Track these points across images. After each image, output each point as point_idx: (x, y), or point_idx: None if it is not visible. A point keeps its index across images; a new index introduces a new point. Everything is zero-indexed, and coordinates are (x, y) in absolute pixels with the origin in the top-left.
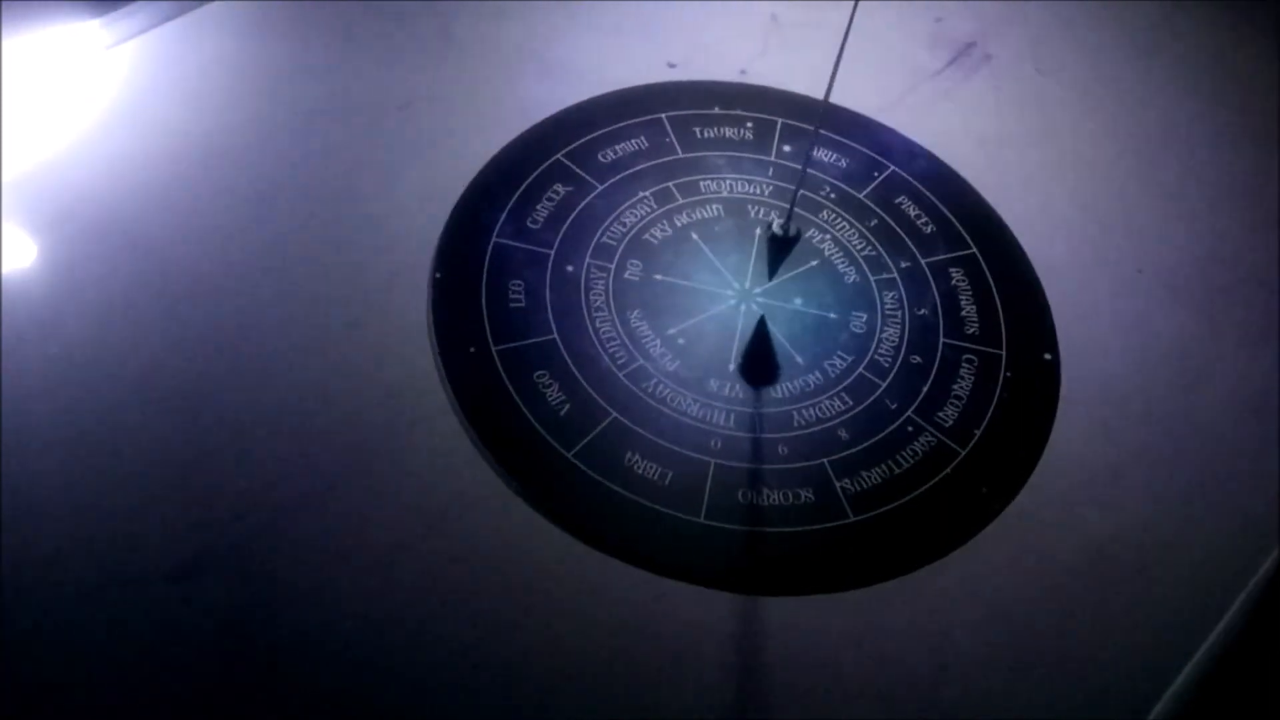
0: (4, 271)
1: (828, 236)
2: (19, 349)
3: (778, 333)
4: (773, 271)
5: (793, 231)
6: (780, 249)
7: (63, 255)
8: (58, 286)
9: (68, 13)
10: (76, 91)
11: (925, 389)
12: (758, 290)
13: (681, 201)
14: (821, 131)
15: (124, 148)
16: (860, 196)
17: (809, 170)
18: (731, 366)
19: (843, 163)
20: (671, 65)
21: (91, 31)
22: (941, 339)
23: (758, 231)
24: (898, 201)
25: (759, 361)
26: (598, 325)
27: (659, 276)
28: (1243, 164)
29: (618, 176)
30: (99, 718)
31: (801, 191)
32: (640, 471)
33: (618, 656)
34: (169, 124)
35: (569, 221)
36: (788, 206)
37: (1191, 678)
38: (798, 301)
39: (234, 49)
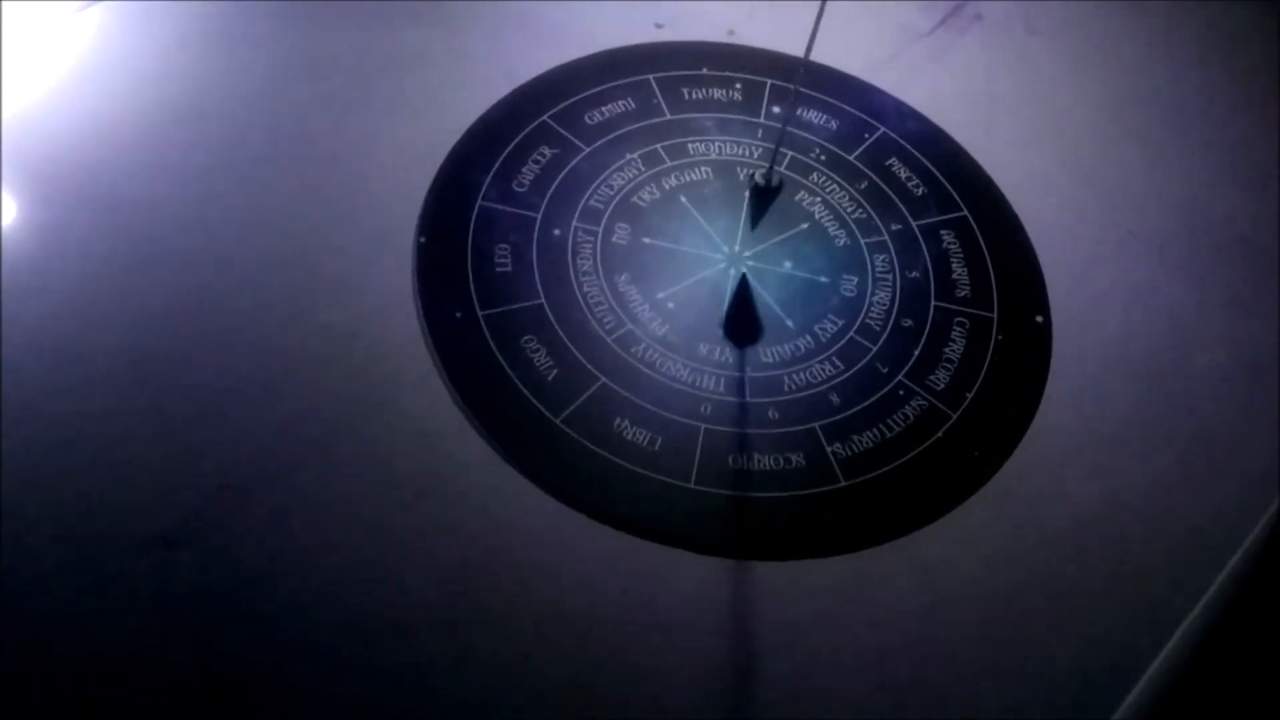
0: None
1: (818, 199)
2: None
3: (767, 296)
4: (755, 223)
5: (775, 181)
6: (763, 200)
7: (37, 218)
8: (33, 251)
9: None
10: (48, 52)
11: (916, 352)
12: (747, 254)
13: (669, 164)
14: (811, 93)
15: (96, 109)
16: (850, 158)
17: (797, 130)
18: (721, 331)
19: (832, 124)
20: (659, 26)
21: None
22: (933, 302)
23: (745, 194)
24: (888, 163)
25: (742, 321)
26: (585, 289)
27: (647, 240)
28: (1235, 126)
29: (605, 139)
30: (81, 687)
31: (789, 151)
32: (629, 437)
33: (606, 621)
34: (143, 86)
35: (555, 184)
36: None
37: (1184, 641)
38: (787, 265)
39: (209, 9)
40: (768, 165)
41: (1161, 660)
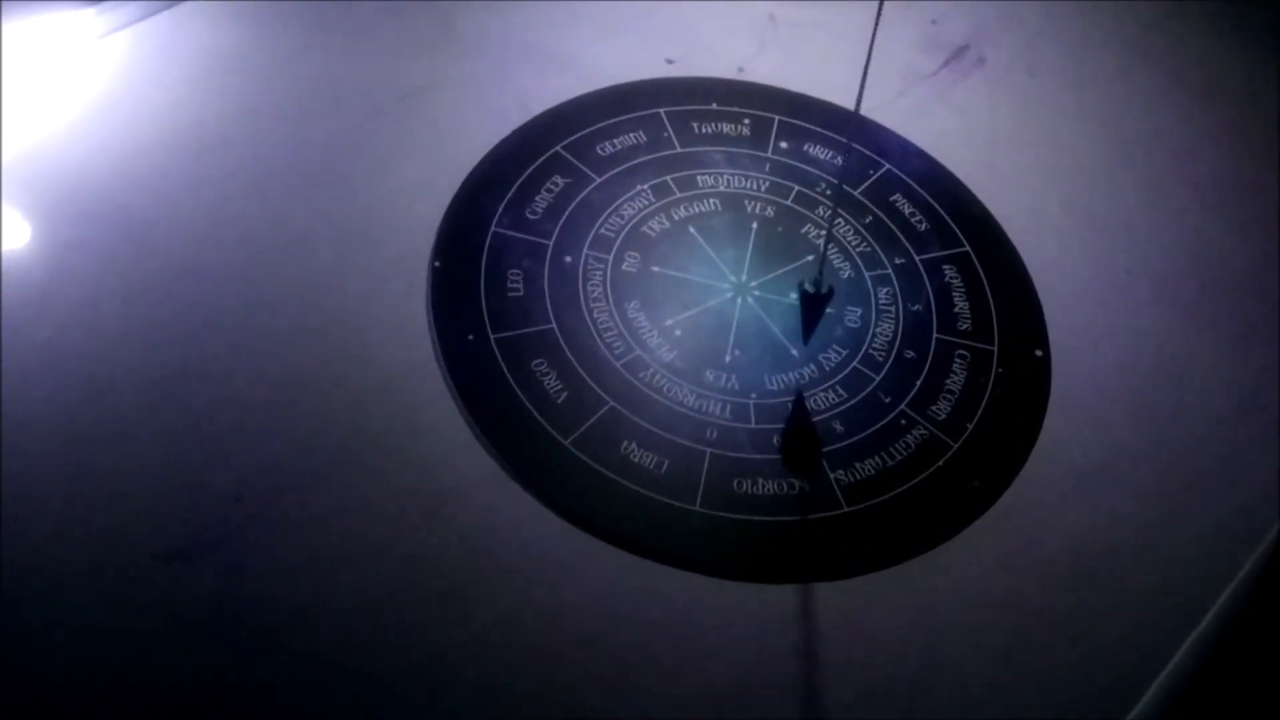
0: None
1: (823, 232)
2: (12, 332)
3: (773, 326)
4: (807, 336)
5: (824, 288)
6: (813, 307)
7: (57, 240)
8: (52, 271)
9: (63, 1)
10: (71, 79)
11: (919, 383)
12: (754, 284)
13: (679, 195)
14: (818, 130)
15: (119, 135)
16: (856, 194)
17: (803, 166)
18: (727, 358)
19: (838, 160)
20: (670, 61)
21: (86, 19)
22: (935, 334)
23: (753, 225)
24: (893, 199)
25: (801, 440)
26: (595, 315)
27: (656, 268)
28: (1231, 166)
29: (616, 170)
30: (92, 697)
31: (795, 185)
32: (637, 460)
33: (611, 641)
34: (164, 112)
35: (567, 213)
36: (818, 260)
37: (1178, 670)
38: (793, 296)
39: (230, 37)
40: (816, 271)
41: (1158, 688)
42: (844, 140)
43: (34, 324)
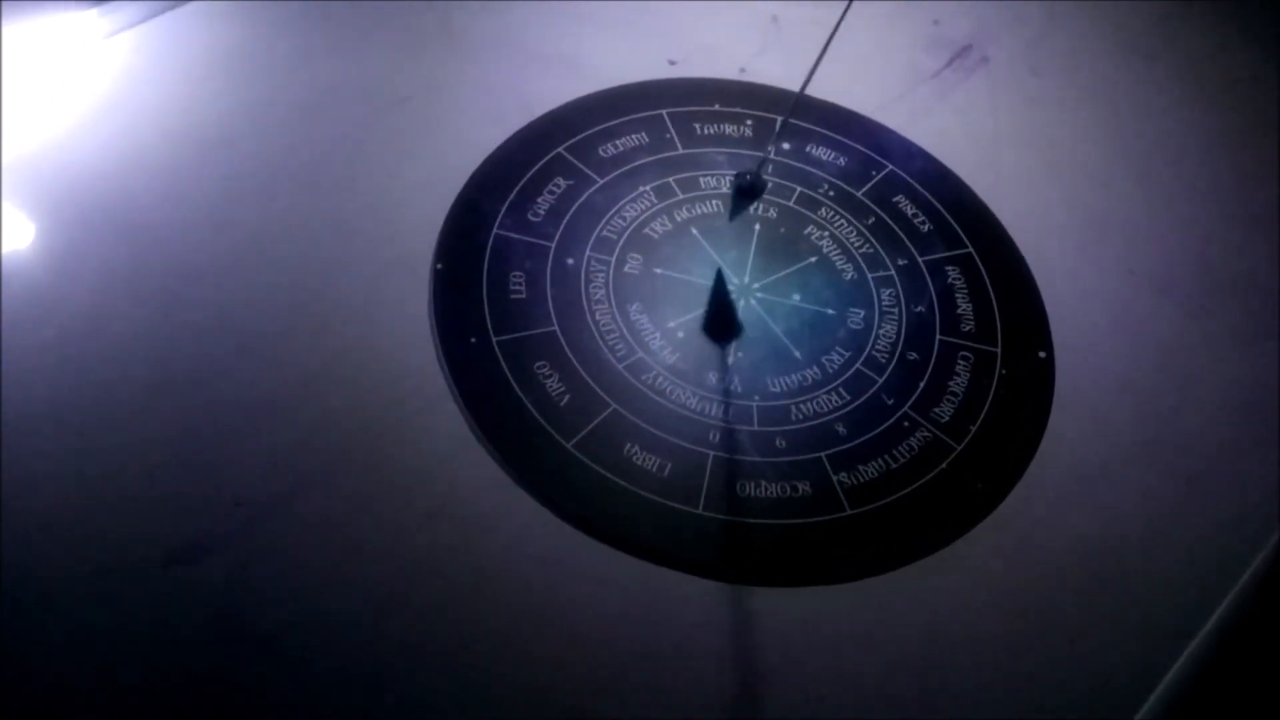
0: (1, 255)
1: (826, 234)
2: (16, 334)
3: (776, 328)
4: (732, 216)
5: (760, 182)
6: (742, 197)
7: (60, 240)
8: (55, 271)
9: (66, 1)
10: (74, 79)
11: (922, 385)
12: (756, 285)
13: (681, 197)
14: (820, 130)
15: (122, 136)
16: (858, 195)
17: (806, 166)
18: (730, 360)
19: (841, 161)
20: (672, 62)
21: (90, 20)
22: (938, 336)
23: (756, 227)
24: (895, 200)
25: (719, 319)
26: (598, 317)
27: (659, 270)
28: (1234, 166)
29: (618, 171)
30: (94, 703)
31: (798, 187)
32: (639, 462)
33: (614, 644)
34: (167, 113)
35: (570, 215)
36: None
37: (1184, 672)
38: (796, 297)
39: (233, 39)
40: (757, 168)
41: (1163, 690)
42: (845, 141)
43: (35, 326)
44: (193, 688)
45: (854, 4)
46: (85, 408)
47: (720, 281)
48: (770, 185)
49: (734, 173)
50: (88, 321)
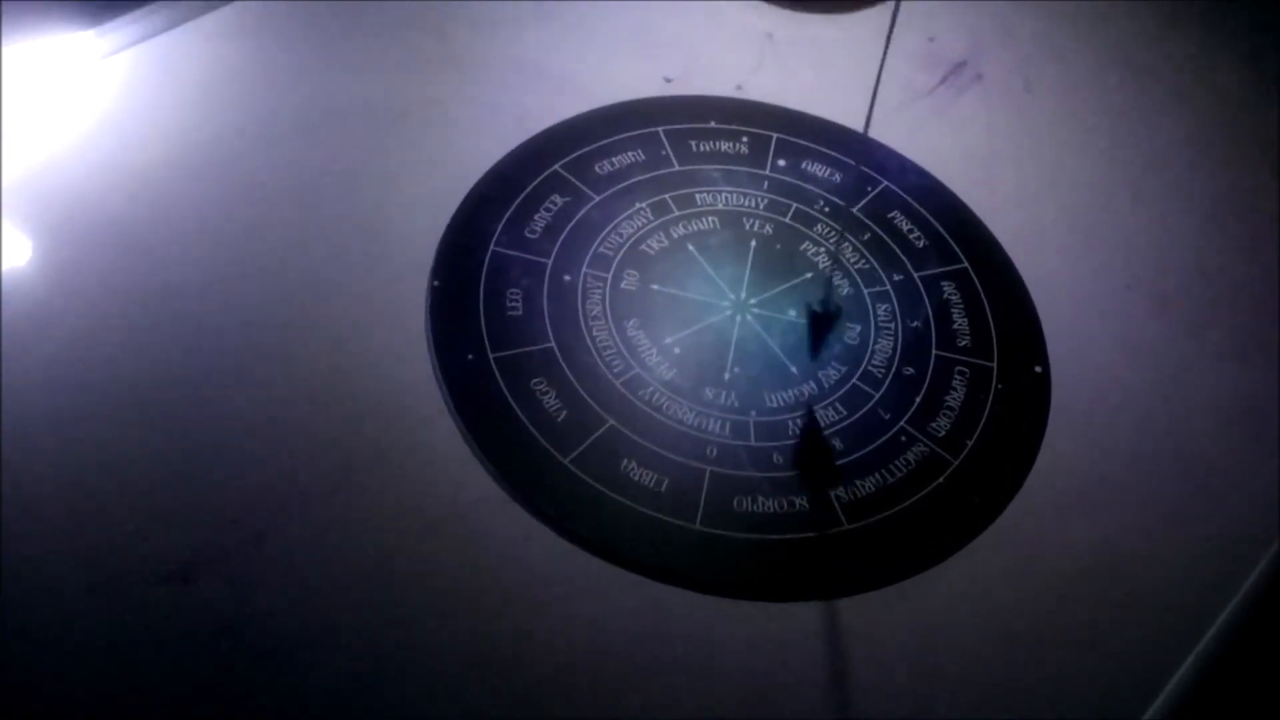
0: (1, 275)
1: (822, 249)
2: (15, 351)
3: (772, 343)
4: (814, 353)
5: (833, 308)
6: (819, 327)
7: (60, 260)
8: (54, 290)
9: (64, 22)
10: (73, 100)
11: (918, 400)
12: (753, 301)
13: (677, 213)
14: (815, 146)
15: (119, 155)
16: (854, 211)
17: (800, 183)
18: (727, 376)
19: (836, 177)
20: (668, 80)
21: (88, 40)
22: (934, 351)
23: (752, 243)
24: (890, 216)
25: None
26: (594, 334)
27: (655, 287)
28: (1229, 181)
29: (615, 188)
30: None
31: (793, 203)
32: (636, 478)
33: (611, 660)
34: (165, 131)
35: (566, 231)
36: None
37: (1180, 687)
38: (792, 313)
39: (231, 58)
40: (824, 291)
41: (1161, 704)
42: (840, 157)
43: (34, 344)
44: (190, 707)
45: (850, 21)
46: (83, 425)
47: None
48: (840, 310)
49: (734, 193)
50: (85, 340)
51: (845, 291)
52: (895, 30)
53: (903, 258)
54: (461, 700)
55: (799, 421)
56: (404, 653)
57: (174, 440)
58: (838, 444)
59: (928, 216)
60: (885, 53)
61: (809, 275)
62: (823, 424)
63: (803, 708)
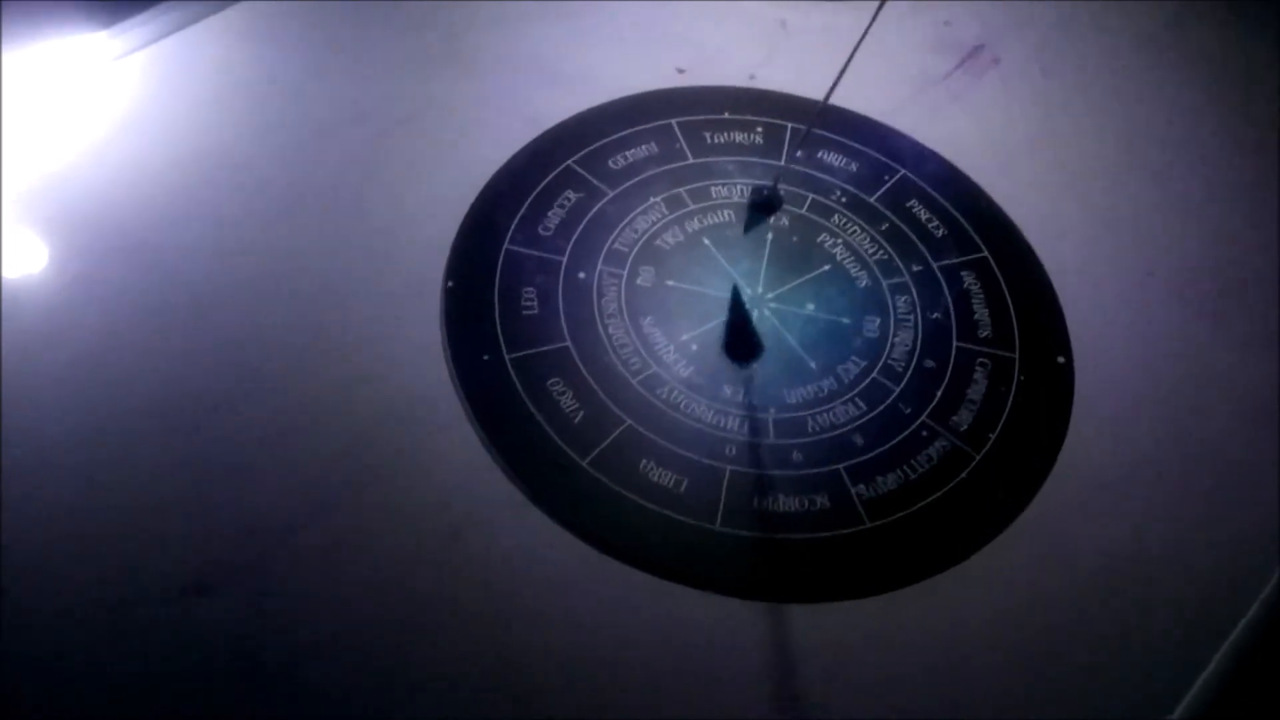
0: (11, 282)
1: (839, 241)
2: (24, 359)
3: (790, 338)
4: (746, 229)
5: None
6: (758, 211)
7: (71, 267)
8: (65, 298)
9: (75, 24)
10: (85, 103)
11: (939, 393)
12: (770, 295)
13: (693, 207)
14: (831, 136)
15: (131, 160)
16: (871, 200)
17: (817, 173)
18: (745, 373)
19: (852, 166)
20: (680, 71)
21: (99, 43)
22: (955, 343)
23: (769, 235)
24: (908, 205)
25: (738, 338)
26: (611, 332)
27: (671, 282)
28: (1254, 166)
29: (629, 183)
30: None
31: (810, 194)
32: (655, 479)
33: (632, 664)
34: (176, 136)
35: (581, 228)
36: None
37: (1209, 684)
38: (810, 307)
39: (241, 61)
40: (773, 181)
41: (1191, 701)
42: (857, 146)
43: (44, 354)
44: (211, 717)
45: (863, 7)
46: (95, 435)
47: (737, 298)
48: (783, 197)
49: (749, 184)
50: (98, 351)
51: (864, 284)
52: (910, 16)
53: (921, 248)
54: (484, 708)
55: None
56: (425, 662)
57: (187, 451)
58: (858, 440)
59: (946, 205)
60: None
61: (827, 268)
62: (841, 420)
63: (826, 711)
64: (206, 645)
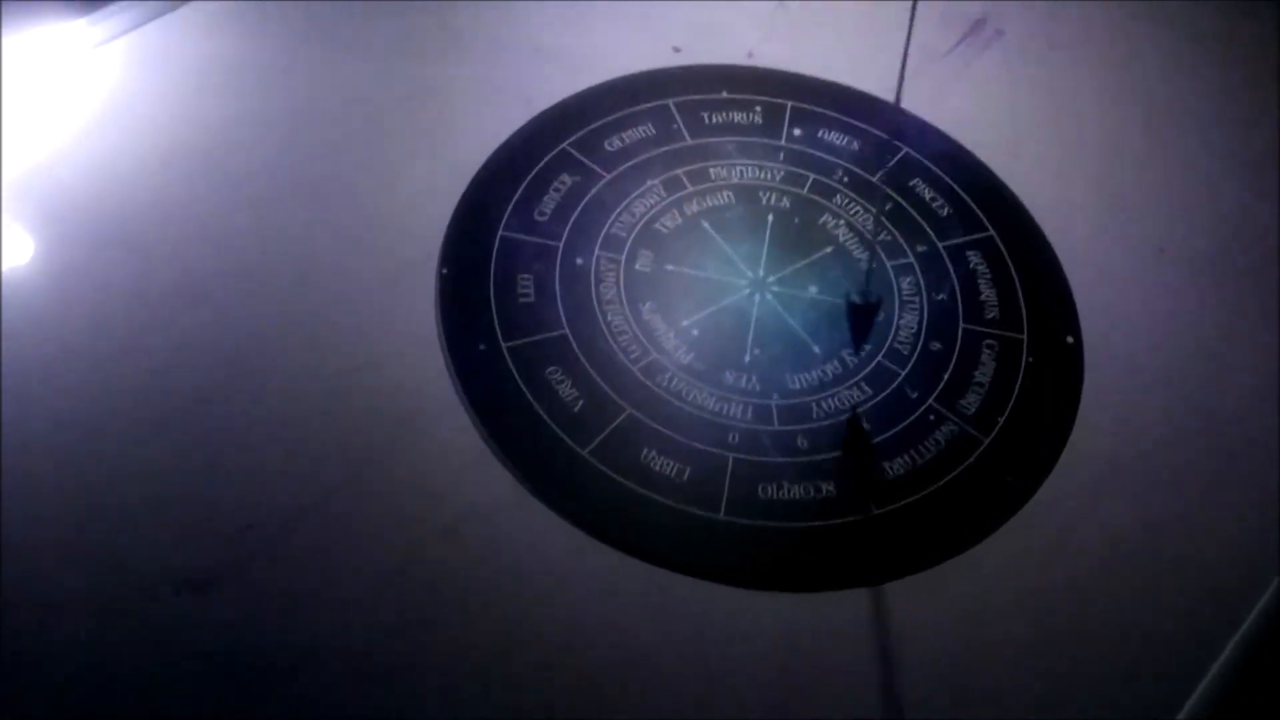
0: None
1: (841, 222)
2: (13, 351)
3: (793, 322)
4: (858, 345)
5: (874, 298)
6: (861, 318)
7: (56, 256)
8: (51, 289)
9: (55, 11)
10: (66, 91)
11: (946, 376)
12: (772, 279)
13: (691, 189)
14: (832, 114)
15: (116, 147)
16: (873, 180)
17: (818, 153)
18: (747, 358)
19: (855, 145)
20: (677, 50)
21: (80, 29)
22: (961, 324)
23: (769, 217)
24: (912, 184)
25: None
26: (609, 319)
27: (670, 267)
28: (1266, 137)
29: (625, 165)
30: None
31: (810, 174)
32: (657, 468)
33: (635, 656)
34: (162, 122)
35: (577, 212)
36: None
37: (1228, 667)
38: (812, 290)
39: (227, 44)
40: (864, 281)
41: (1206, 687)
42: (858, 124)
43: (31, 347)
44: (206, 716)
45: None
46: (86, 428)
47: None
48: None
49: (749, 165)
50: (86, 342)
51: (867, 266)
52: None
53: (926, 228)
54: (484, 703)
55: (843, 429)
56: (423, 656)
57: (180, 444)
58: (864, 425)
59: (950, 183)
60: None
61: (830, 250)
62: (846, 405)
63: (834, 701)
64: (204, 641)
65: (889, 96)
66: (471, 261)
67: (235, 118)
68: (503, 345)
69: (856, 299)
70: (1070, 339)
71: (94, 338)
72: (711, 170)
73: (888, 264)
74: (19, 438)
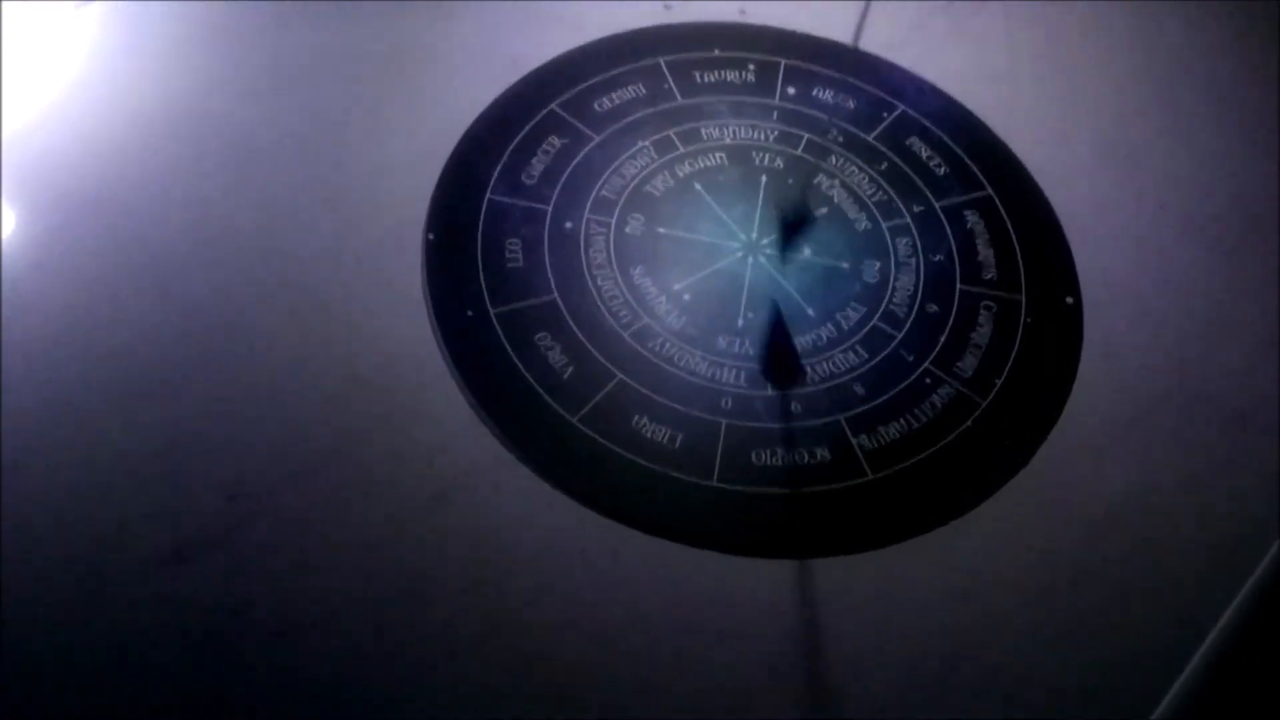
0: None
1: (836, 182)
2: None
3: (787, 285)
4: (784, 257)
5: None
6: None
7: (37, 225)
8: (32, 258)
9: None
10: (46, 53)
11: (943, 338)
12: (765, 241)
13: (683, 150)
14: (827, 72)
15: (97, 111)
16: (869, 139)
17: (812, 111)
18: (740, 322)
19: (850, 103)
20: (667, 6)
21: None
22: (958, 285)
23: (762, 178)
24: (908, 143)
25: (780, 356)
26: (599, 283)
27: (662, 230)
28: (1267, 97)
29: (615, 126)
30: (90, 707)
31: (805, 134)
32: (649, 434)
33: (628, 625)
34: (143, 85)
35: (566, 175)
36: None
37: (1224, 633)
38: (807, 252)
39: (210, 7)
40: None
41: (1202, 654)
42: (853, 82)
43: (9, 321)
44: (194, 689)
45: None
46: (68, 401)
47: (778, 318)
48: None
49: (742, 125)
50: (65, 313)
51: (863, 226)
52: None
53: (922, 187)
54: (474, 674)
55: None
56: (412, 628)
57: (162, 418)
58: (859, 389)
59: (948, 141)
60: None
61: (824, 211)
62: (841, 369)
63: (829, 668)
64: (186, 615)
65: (885, 54)
66: (459, 226)
67: (218, 80)
68: (491, 311)
69: (789, 213)
70: (1070, 299)
71: (71, 309)
72: (703, 130)
73: (883, 224)
74: None
